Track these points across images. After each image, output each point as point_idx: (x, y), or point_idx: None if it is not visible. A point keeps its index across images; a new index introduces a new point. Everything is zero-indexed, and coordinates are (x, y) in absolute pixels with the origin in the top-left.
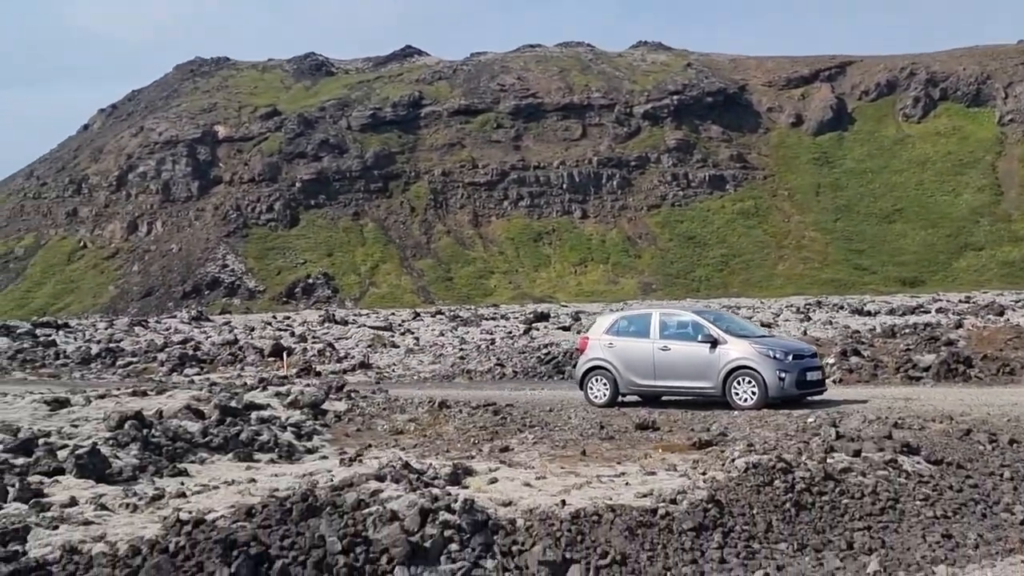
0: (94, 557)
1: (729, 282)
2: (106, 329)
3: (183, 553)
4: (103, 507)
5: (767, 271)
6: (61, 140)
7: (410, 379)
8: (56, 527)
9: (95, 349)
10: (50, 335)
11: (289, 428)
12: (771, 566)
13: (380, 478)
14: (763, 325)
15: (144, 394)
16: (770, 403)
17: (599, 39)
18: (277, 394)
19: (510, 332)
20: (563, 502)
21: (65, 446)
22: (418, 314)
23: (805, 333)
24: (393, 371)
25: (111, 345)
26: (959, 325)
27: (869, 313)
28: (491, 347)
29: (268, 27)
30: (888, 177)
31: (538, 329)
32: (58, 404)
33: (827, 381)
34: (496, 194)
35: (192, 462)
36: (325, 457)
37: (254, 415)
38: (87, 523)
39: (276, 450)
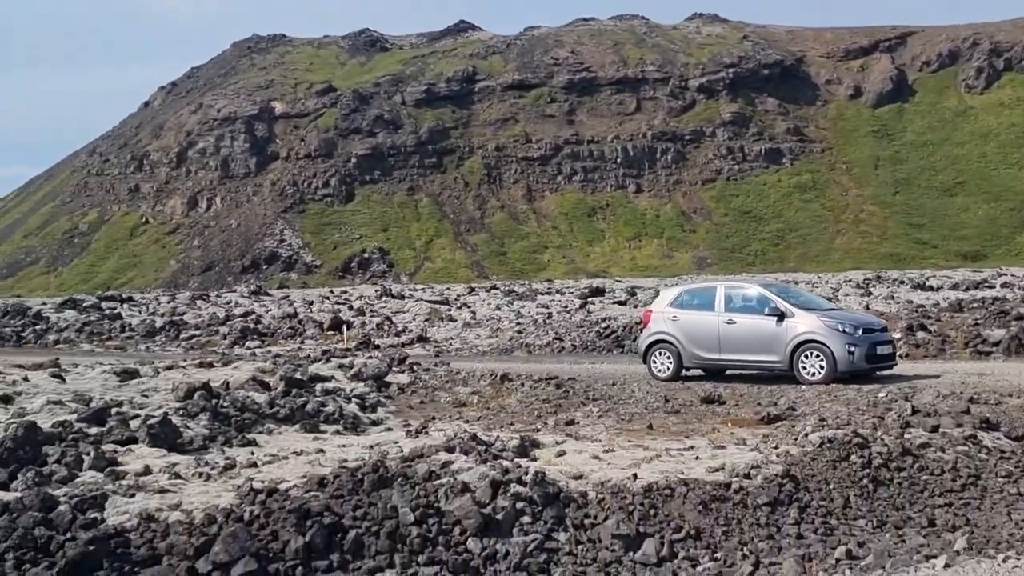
0: (170, 525)
1: (785, 257)
2: (169, 303)
3: (257, 522)
4: (177, 476)
5: (824, 245)
6: (123, 117)
7: (468, 352)
8: (133, 495)
9: (159, 322)
10: (115, 308)
11: (354, 400)
12: (851, 542)
13: (449, 449)
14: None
15: (210, 366)
16: (839, 377)
17: (653, 11)
18: (340, 366)
19: (566, 307)
20: (635, 475)
21: (137, 416)
22: (473, 288)
23: (867, 308)
24: (451, 344)
25: (174, 318)
26: None
27: (931, 288)
28: (548, 321)
29: (323, 3)
30: (949, 150)
31: (594, 304)
32: (127, 375)
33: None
34: (550, 169)
35: (260, 432)
36: (390, 429)
37: (319, 387)
38: (163, 491)
39: (341, 421)
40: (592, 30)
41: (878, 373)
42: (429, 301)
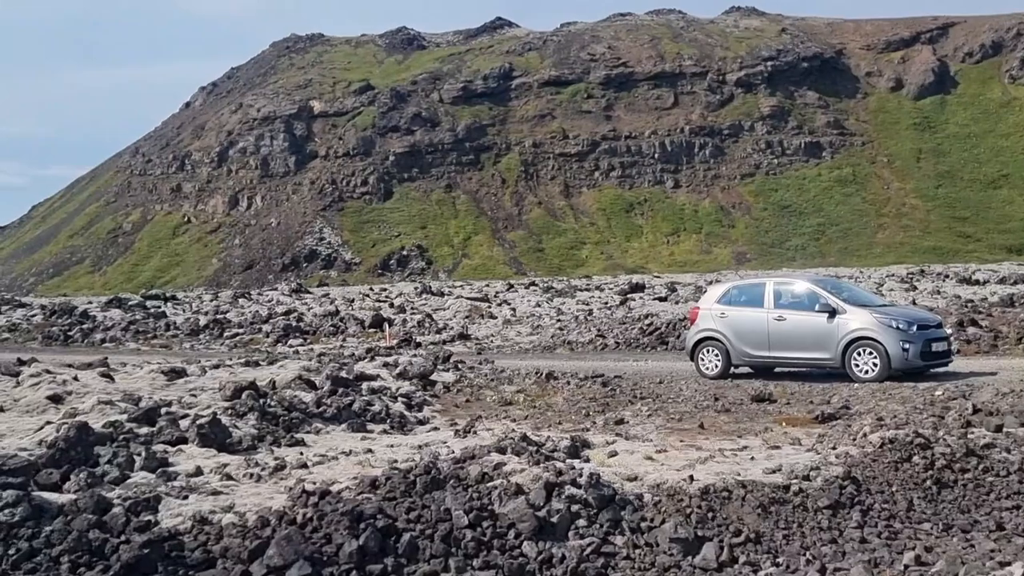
0: (224, 527)
1: (826, 251)
2: (211, 301)
3: (310, 524)
4: (228, 477)
5: (866, 240)
6: (165, 117)
7: (510, 350)
8: (186, 497)
9: (203, 320)
10: (159, 307)
11: (400, 399)
12: (918, 547)
13: (500, 450)
14: None
15: (256, 364)
16: (893, 375)
17: (691, 5)
18: (385, 365)
19: (606, 303)
20: (691, 477)
21: (186, 415)
22: (512, 285)
23: (914, 303)
24: (492, 342)
25: (218, 316)
26: None
27: (977, 282)
28: (589, 318)
29: (361, 2)
30: (994, 141)
31: (634, 300)
32: (175, 374)
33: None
34: (587, 165)
35: (308, 432)
36: (436, 428)
37: (364, 385)
38: (215, 493)
39: (388, 420)
40: (629, 25)
41: (932, 370)
42: (469, 298)
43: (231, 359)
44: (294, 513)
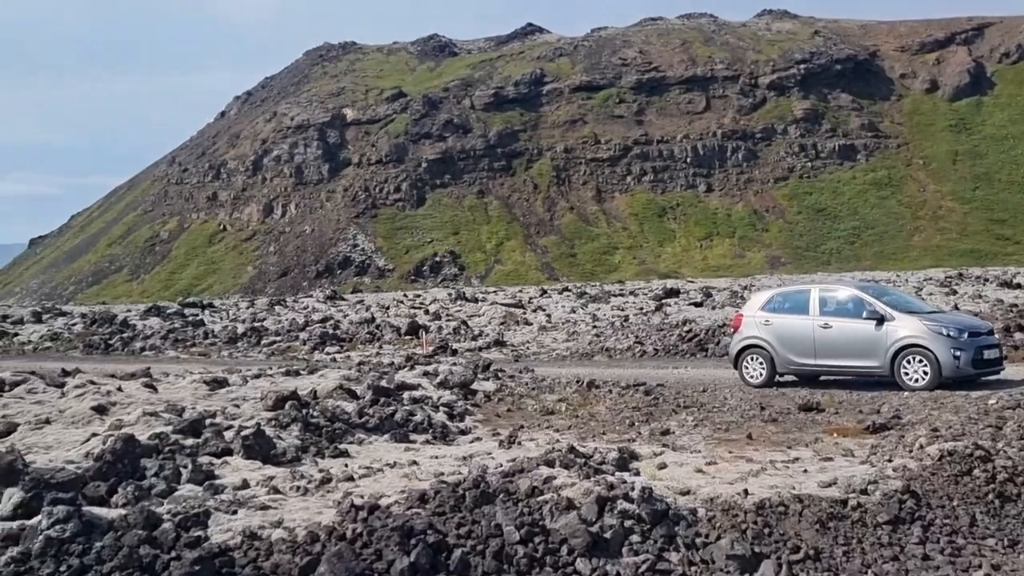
0: (274, 543)
1: (861, 255)
2: (248, 308)
3: (360, 540)
4: (275, 490)
5: (901, 243)
6: (200, 127)
7: (546, 357)
8: (235, 512)
9: (241, 328)
10: (197, 315)
11: (441, 408)
12: (985, 564)
13: (549, 463)
14: None
15: (296, 374)
16: (943, 384)
17: (722, 9)
18: (425, 374)
19: (641, 308)
20: (745, 491)
21: (230, 427)
22: (545, 291)
23: (956, 307)
24: (527, 348)
25: (255, 324)
26: None
27: (1019, 286)
28: (626, 324)
29: (393, 11)
30: None
31: (670, 305)
32: (216, 384)
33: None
34: (619, 169)
35: (351, 443)
36: (479, 438)
37: (406, 395)
38: (264, 507)
39: (431, 431)
40: (660, 29)
41: (983, 379)
42: (504, 304)
43: (271, 368)
44: (343, 528)
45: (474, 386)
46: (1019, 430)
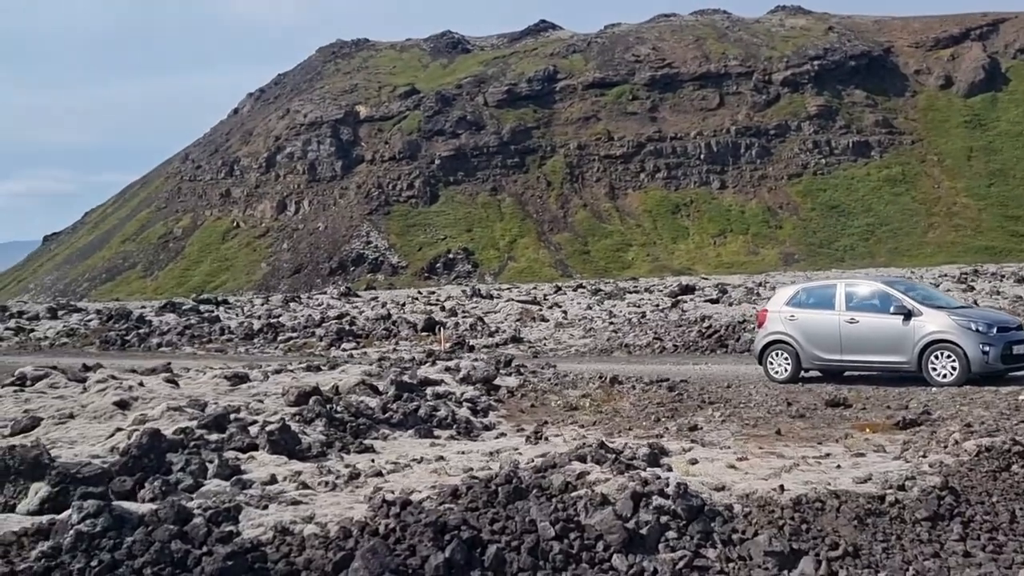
0: (306, 538)
1: (875, 251)
2: (263, 305)
3: (393, 536)
4: (304, 485)
5: (916, 239)
6: (214, 124)
7: (564, 353)
8: (265, 506)
9: (257, 325)
10: (212, 311)
11: (465, 404)
12: None
13: (581, 459)
14: None
15: (317, 369)
16: (971, 379)
17: (735, 5)
18: (447, 369)
19: (657, 305)
20: (781, 487)
21: (254, 422)
22: (560, 288)
23: (975, 303)
24: (545, 345)
25: (271, 320)
26: None
27: None
28: (643, 320)
29: (405, 7)
30: None
31: (686, 302)
32: (238, 379)
33: None
34: (632, 166)
35: (375, 438)
36: (504, 434)
37: (429, 391)
38: (295, 503)
39: (455, 426)
40: (673, 26)
41: (1011, 374)
42: (520, 301)
43: (291, 364)
44: (376, 524)
45: (496, 381)
46: None
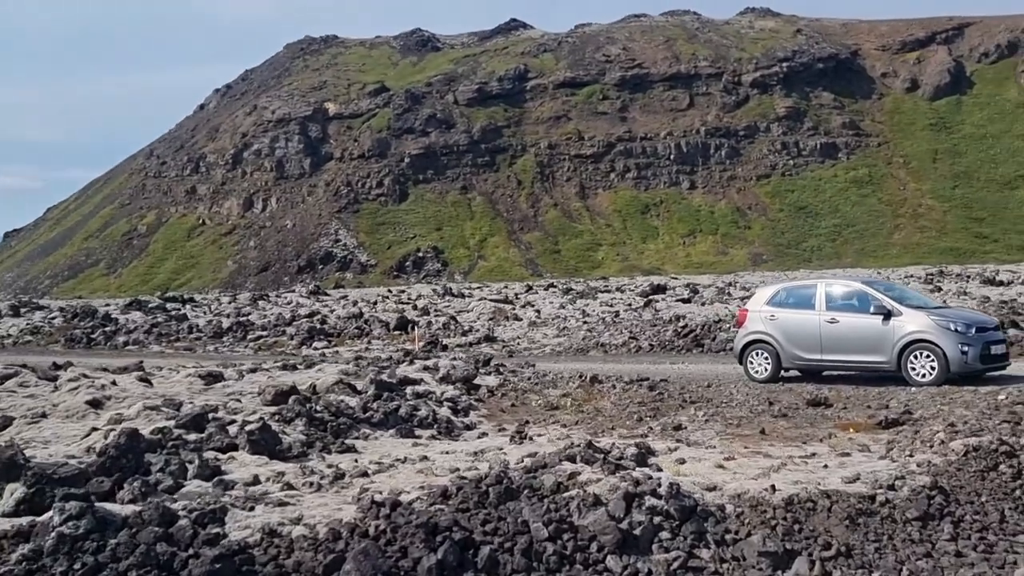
0: (294, 540)
1: (842, 252)
2: (230, 303)
3: (384, 537)
4: (289, 486)
5: (882, 240)
6: (179, 120)
7: (539, 352)
8: (252, 508)
9: (226, 323)
10: (180, 309)
11: (445, 403)
12: (1020, 561)
13: (571, 459)
14: None
15: (293, 368)
16: (950, 379)
17: (705, 7)
18: (426, 368)
19: (630, 305)
20: (773, 487)
21: (233, 421)
22: (531, 287)
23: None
24: (519, 344)
25: (241, 319)
26: None
27: (1001, 283)
28: (617, 320)
29: (375, 4)
30: (1010, 142)
31: (658, 302)
32: (212, 378)
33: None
34: (603, 166)
35: (356, 438)
36: (485, 434)
37: (409, 390)
38: (282, 504)
39: (436, 426)
40: (644, 26)
41: (989, 374)
42: (493, 300)
43: (266, 363)
44: (366, 525)
45: (476, 381)
46: None
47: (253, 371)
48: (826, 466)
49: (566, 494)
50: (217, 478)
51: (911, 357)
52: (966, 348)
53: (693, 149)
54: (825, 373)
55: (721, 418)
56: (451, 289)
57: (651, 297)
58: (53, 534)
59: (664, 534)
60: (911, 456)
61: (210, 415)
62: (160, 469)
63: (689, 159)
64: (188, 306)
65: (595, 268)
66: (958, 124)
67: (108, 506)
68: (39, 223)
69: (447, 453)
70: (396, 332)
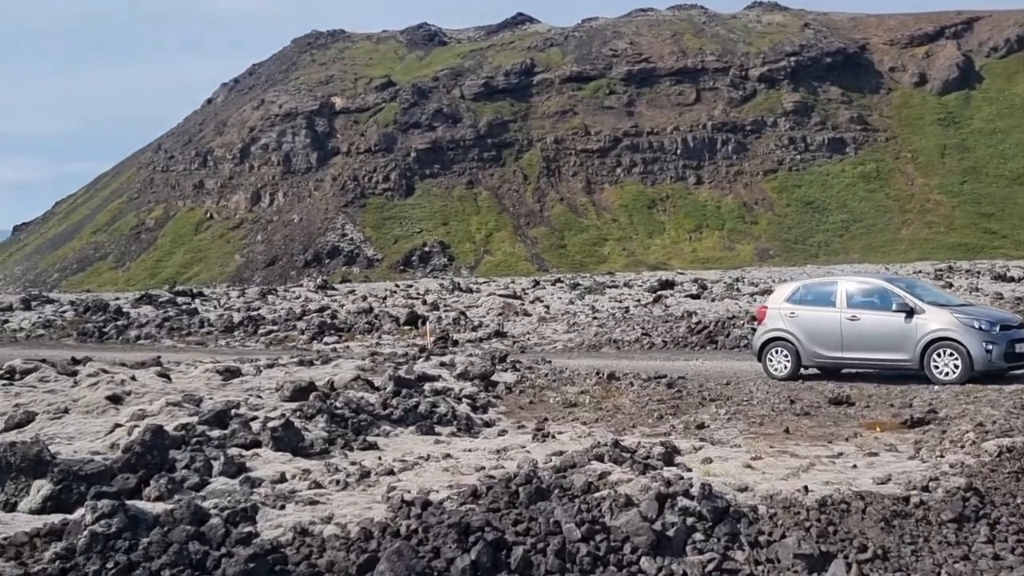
0: (326, 539)
1: (849, 247)
2: (239, 297)
3: (416, 537)
4: (316, 484)
5: (890, 236)
6: (187, 114)
7: (551, 348)
8: (282, 507)
9: (237, 317)
10: (190, 303)
11: (464, 400)
12: None
13: (599, 458)
14: None
15: (310, 364)
16: (974, 377)
17: (712, 1)
18: (443, 364)
19: (639, 300)
20: (805, 488)
21: (255, 418)
22: (538, 282)
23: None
24: (528, 340)
25: (251, 313)
26: None
27: (1012, 279)
28: (628, 316)
29: None
30: (1019, 137)
31: (667, 297)
32: (230, 373)
33: None
34: (609, 161)
35: (377, 435)
36: (505, 431)
37: (427, 386)
38: (312, 503)
39: (455, 423)
40: (650, 20)
41: (1014, 372)
42: (501, 295)
43: (283, 358)
44: (397, 525)
45: (494, 377)
46: None
47: (270, 366)
48: (855, 466)
49: (597, 494)
50: (243, 475)
51: (934, 355)
52: (990, 346)
53: (700, 144)
54: (844, 371)
55: (743, 416)
56: (459, 284)
57: (660, 293)
58: (85, 532)
59: (697, 535)
60: (942, 456)
61: (232, 411)
62: (185, 466)
63: (696, 154)
64: (198, 300)
65: (601, 263)
66: (967, 119)
67: (139, 504)
68: (48, 216)
69: (470, 451)
70: (406, 327)
